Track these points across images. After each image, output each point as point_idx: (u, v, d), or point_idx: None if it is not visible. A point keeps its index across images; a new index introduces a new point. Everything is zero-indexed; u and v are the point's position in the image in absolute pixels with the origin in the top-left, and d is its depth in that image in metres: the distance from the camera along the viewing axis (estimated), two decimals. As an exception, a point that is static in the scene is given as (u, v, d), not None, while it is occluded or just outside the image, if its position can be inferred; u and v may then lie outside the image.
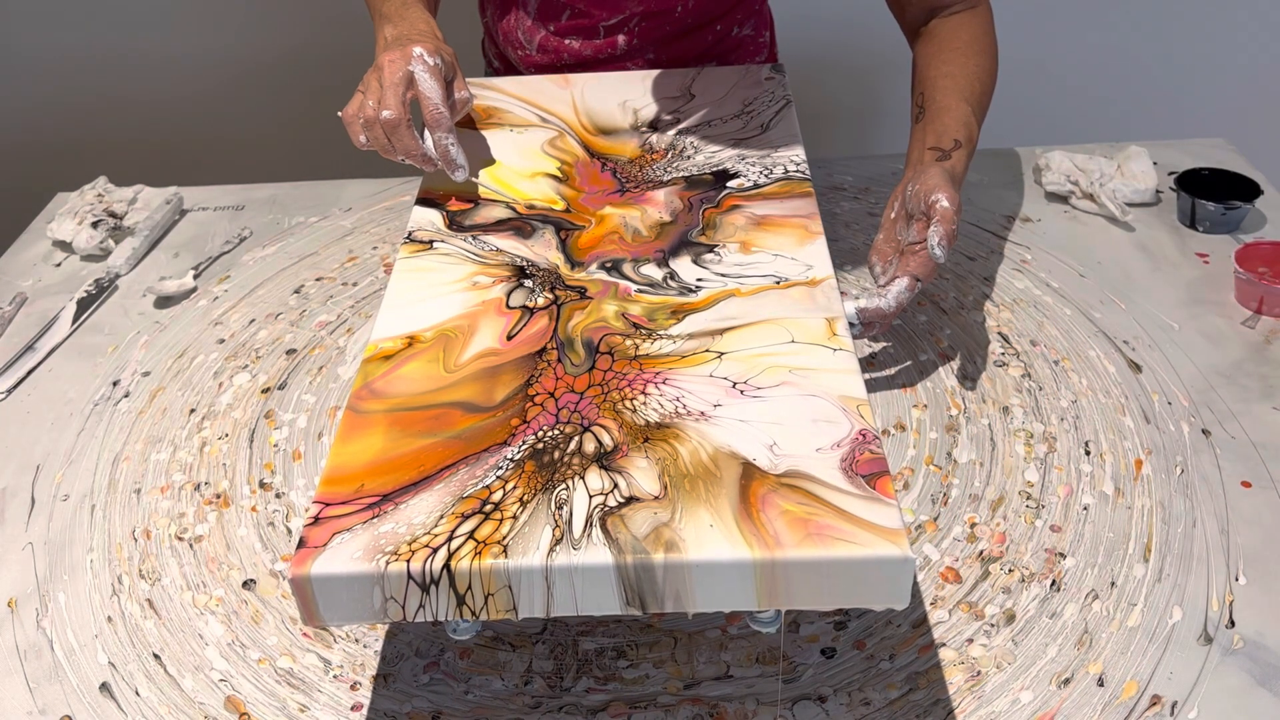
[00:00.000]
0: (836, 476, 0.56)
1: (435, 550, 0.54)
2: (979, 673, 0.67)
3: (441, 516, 0.56)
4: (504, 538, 0.54)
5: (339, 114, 0.83)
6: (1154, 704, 0.65)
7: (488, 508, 0.56)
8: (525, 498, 0.56)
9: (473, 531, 0.55)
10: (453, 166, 0.82)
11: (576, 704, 0.67)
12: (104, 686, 0.70)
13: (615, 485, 0.57)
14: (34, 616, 0.75)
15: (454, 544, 0.54)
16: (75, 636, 0.74)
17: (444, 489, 0.57)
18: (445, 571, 0.53)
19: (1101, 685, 0.66)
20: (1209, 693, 0.65)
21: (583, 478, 0.57)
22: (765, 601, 0.54)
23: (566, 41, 1.09)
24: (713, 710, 0.66)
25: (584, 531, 0.54)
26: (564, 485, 0.57)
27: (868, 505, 0.55)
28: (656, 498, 0.56)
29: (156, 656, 0.72)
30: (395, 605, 0.54)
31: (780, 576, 0.53)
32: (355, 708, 0.68)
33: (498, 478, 0.58)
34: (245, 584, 0.77)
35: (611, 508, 0.56)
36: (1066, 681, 0.67)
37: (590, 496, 0.56)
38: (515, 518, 0.55)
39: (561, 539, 0.54)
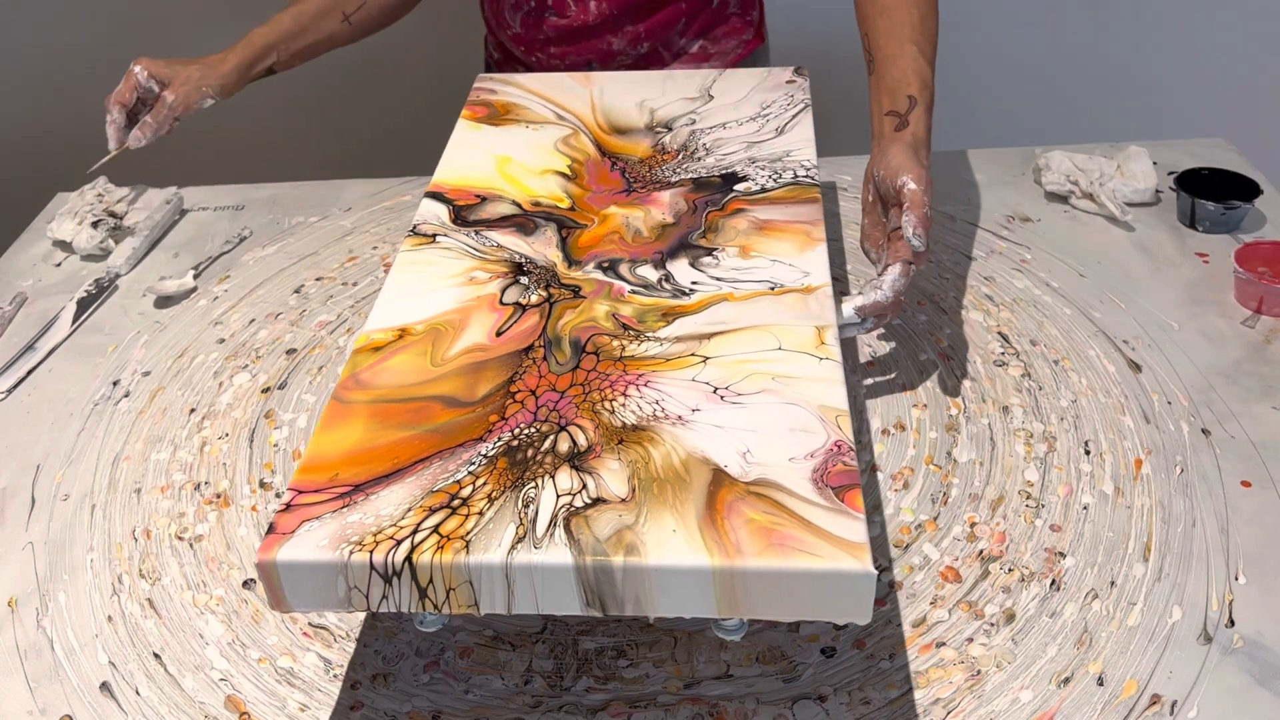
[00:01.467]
0: (806, 487, 0.56)
1: (399, 542, 0.54)
2: (979, 672, 0.67)
3: (409, 509, 0.56)
4: (468, 533, 0.54)
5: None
6: (1154, 703, 0.65)
7: (455, 502, 0.56)
8: (494, 494, 0.56)
9: (438, 525, 0.55)
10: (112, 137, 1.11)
11: (576, 704, 0.67)
12: (104, 686, 0.70)
13: (584, 486, 0.57)
14: (34, 616, 0.75)
15: (418, 537, 0.54)
16: (75, 636, 0.74)
17: (415, 482, 0.57)
18: (407, 564, 0.53)
19: (1101, 684, 0.66)
20: (1209, 692, 0.65)
21: (553, 477, 0.57)
22: (725, 610, 0.54)
23: (546, 15, 1.11)
24: (713, 710, 0.66)
25: (547, 531, 0.54)
26: (533, 484, 0.57)
27: (834, 518, 0.54)
28: (623, 500, 0.56)
29: (157, 656, 0.72)
30: (359, 595, 0.54)
31: (739, 585, 0.53)
32: (355, 707, 0.68)
33: (469, 473, 0.58)
34: (245, 584, 0.77)
35: (577, 508, 0.55)
36: (1066, 681, 0.67)
37: (558, 496, 0.56)
38: (481, 514, 0.55)
39: (524, 537, 0.54)
